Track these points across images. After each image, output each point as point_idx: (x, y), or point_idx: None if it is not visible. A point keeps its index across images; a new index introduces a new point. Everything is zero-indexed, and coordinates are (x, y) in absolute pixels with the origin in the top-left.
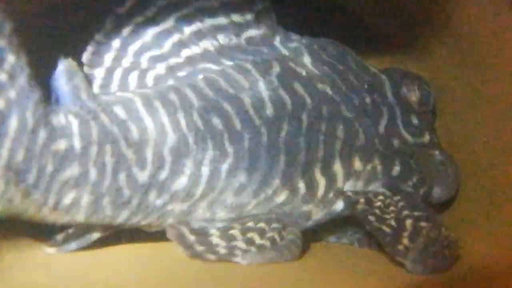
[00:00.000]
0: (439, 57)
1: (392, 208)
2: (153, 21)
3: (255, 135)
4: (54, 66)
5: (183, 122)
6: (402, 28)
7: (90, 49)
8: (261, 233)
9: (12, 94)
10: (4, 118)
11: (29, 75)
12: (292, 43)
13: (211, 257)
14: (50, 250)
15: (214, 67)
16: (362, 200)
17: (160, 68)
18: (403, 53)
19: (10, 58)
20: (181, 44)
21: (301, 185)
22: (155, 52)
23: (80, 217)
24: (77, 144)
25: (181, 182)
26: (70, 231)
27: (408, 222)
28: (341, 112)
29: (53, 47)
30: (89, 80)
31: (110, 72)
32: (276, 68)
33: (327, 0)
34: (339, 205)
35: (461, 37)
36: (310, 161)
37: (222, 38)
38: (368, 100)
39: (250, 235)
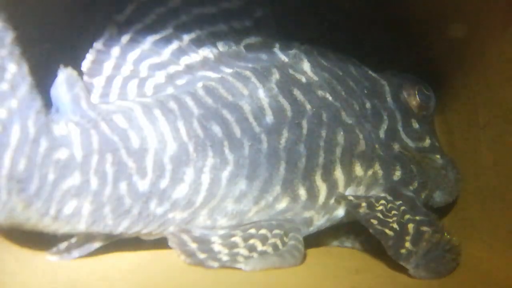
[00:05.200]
0: (441, 58)
1: (394, 212)
2: (152, 28)
3: (255, 142)
4: (54, 76)
5: (183, 130)
6: None
7: (89, 57)
8: (263, 239)
9: (13, 103)
10: (6, 127)
11: (30, 85)
12: (291, 49)
13: (214, 264)
14: (53, 258)
15: (213, 74)
16: (364, 204)
17: (160, 76)
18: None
19: (12, 68)
20: (181, 52)
21: (302, 192)
22: (155, 60)
23: (81, 226)
24: (78, 153)
25: (182, 190)
26: (73, 240)
27: (410, 226)
28: (341, 118)
29: (53, 57)
30: (88, 89)
31: (109, 80)
32: (276, 75)
33: (327, 7)
34: (341, 211)
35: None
36: (310, 168)
37: (221, 45)
38: (368, 105)
39: (252, 241)
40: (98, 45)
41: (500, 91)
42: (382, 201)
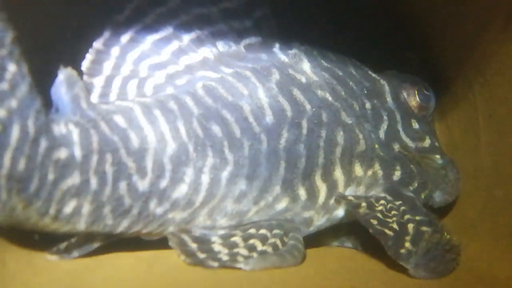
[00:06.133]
0: (441, 58)
1: (394, 212)
2: (152, 28)
3: (255, 142)
4: (54, 76)
5: (182, 130)
6: None
7: (89, 57)
8: (263, 239)
9: (13, 103)
10: (6, 127)
11: (30, 85)
12: (291, 49)
13: (214, 264)
14: (52, 258)
15: (213, 74)
16: (364, 204)
17: (159, 76)
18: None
19: (11, 68)
20: (180, 52)
21: (302, 192)
22: (154, 59)
23: (81, 226)
24: (77, 152)
25: (182, 190)
26: (73, 240)
27: (410, 226)
28: (341, 118)
29: (53, 57)
30: (88, 88)
31: (109, 80)
32: (276, 75)
33: (327, 7)
34: (341, 211)
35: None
36: (310, 168)
37: (221, 45)
38: (368, 105)
39: (252, 241)
40: (98, 45)
41: (500, 91)
42: (382, 201)
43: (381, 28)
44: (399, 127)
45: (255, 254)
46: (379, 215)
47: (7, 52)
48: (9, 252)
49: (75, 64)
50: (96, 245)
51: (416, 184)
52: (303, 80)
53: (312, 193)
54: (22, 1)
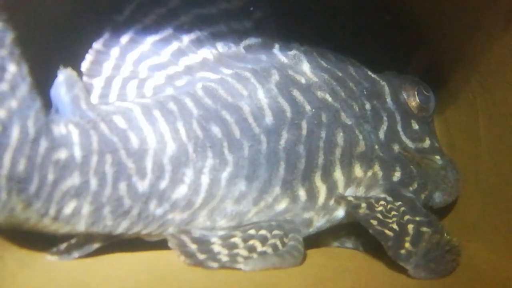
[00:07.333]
0: (441, 58)
1: (394, 213)
2: (151, 29)
3: (255, 143)
4: (54, 76)
5: (182, 131)
6: None
7: (89, 58)
8: (263, 240)
9: (13, 103)
10: (6, 127)
11: (30, 85)
12: (291, 50)
13: (213, 265)
14: (52, 258)
15: (213, 75)
16: (363, 204)
17: (159, 77)
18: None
19: (12, 68)
20: (180, 53)
21: (302, 193)
22: (154, 60)
23: (80, 226)
24: (77, 153)
25: (181, 191)
26: (73, 241)
27: (410, 227)
28: (340, 119)
29: (53, 57)
30: (88, 89)
31: (109, 81)
32: (275, 76)
33: (327, 8)
34: (341, 212)
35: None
36: (310, 169)
37: (221, 46)
38: (367, 106)
39: (251, 242)
40: (97, 45)
41: (500, 92)
42: (382, 202)
43: (381, 28)
44: (399, 128)
45: (255, 255)
46: (379, 215)
47: (7, 52)
48: (9, 252)
49: (75, 64)
50: (96, 246)
51: (416, 185)
52: (303, 81)
53: (312, 194)
54: (23, 1)
